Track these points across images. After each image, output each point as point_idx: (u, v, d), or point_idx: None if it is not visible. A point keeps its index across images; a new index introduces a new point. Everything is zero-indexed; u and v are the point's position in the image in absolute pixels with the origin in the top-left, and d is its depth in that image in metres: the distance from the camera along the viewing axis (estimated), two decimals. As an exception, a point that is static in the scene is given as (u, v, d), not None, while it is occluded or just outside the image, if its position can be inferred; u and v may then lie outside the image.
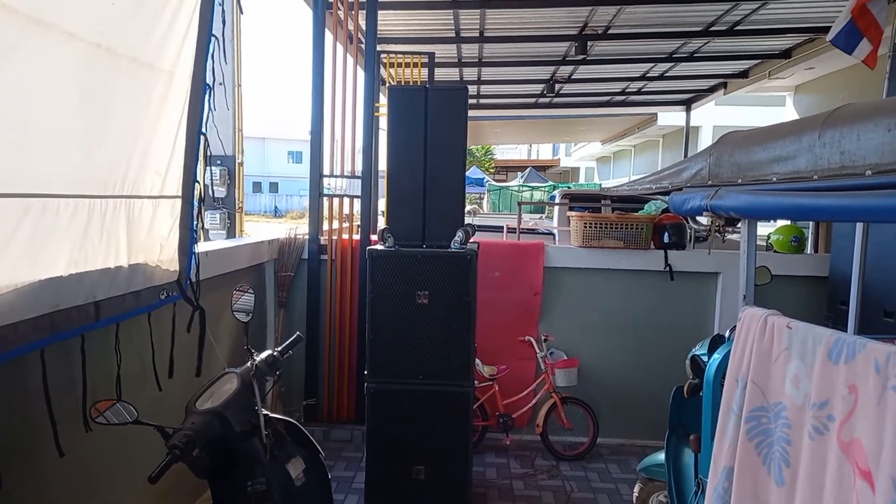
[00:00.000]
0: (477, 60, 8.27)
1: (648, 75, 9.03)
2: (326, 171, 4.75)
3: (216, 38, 2.69)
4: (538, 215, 13.19)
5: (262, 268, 4.63)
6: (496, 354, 4.59)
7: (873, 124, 1.45)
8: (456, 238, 3.36)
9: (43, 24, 1.81)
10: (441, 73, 8.63)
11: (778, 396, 1.78)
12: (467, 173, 22.35)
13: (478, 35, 7.05)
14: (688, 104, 11.17)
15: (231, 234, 9.07)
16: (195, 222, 2.79)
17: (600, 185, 22.27)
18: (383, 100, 5.99)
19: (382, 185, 4.14)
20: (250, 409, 2.32)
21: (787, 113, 9.51)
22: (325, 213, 4.83)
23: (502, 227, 8.03)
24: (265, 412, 2.37)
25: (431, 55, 6.57)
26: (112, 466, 2.64)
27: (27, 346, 1.88)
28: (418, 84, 6.08)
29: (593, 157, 29.25)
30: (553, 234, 8.13)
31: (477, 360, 4.13)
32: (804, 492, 1.61)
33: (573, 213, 4.96)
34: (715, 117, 17.30)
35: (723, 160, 2.20)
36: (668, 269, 4.64)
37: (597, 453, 4.57)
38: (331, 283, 4.73)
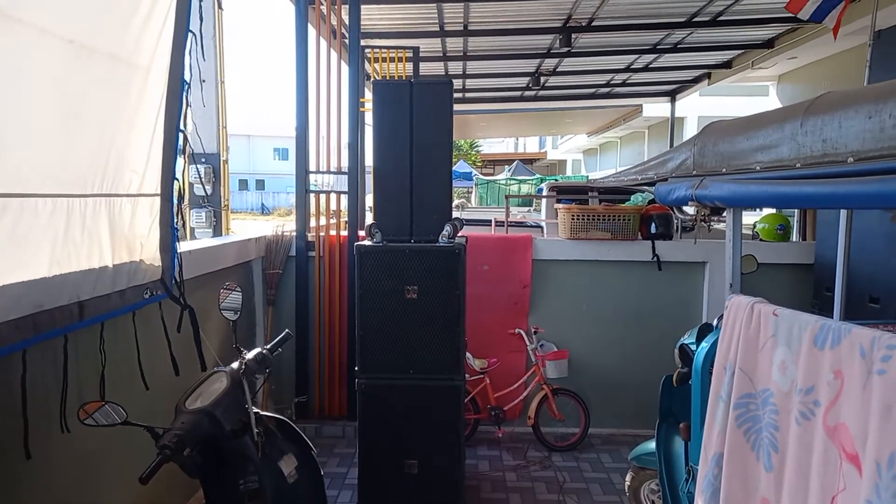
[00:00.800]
0: (462, 54, 8.25)
1: (633, 67, 9.06)
2: (313, 167, 4.73)
3: (193, 34, 2.66)
4: (526, 208, 13.19)
5: (249, 266, 4.60)
6: (486, 348, 4.60)
7: (854, 112, 1.46)
8: (444, 232, 3.35)
9: (15, 20, 1.78)
10: (426, 68, 8.59)
11: (765, 383, 1.80)
12: (455, 167, 22.37)
13: (462, 29, 7.03)
14: (672, 95, 11.22)
15: (217, 232, 9.00)
16: (175, 220, 2.77)
17: (587, 177, 22.33)
18: (369, 95, 5.96)
19: (369, 180, 4.13)
20: (240, 407, 2.31)
21: (772, 102, 9.60)
22: (313, 209, 4.81)
23: (490, 221, 8.05)
24: (256, 410, 2.36)
25: (416, 49, 6.54)
26: (103, 467, 2.62)
27: (9, 347, 1.86)
28: (403, 79, 6.06)
29: (580, 149, 29.31)
30: (541, 227, 8.16)
31: (467, 354, 4.14)
32: (791, 476, 1.63)
33: (560, 206, 4.98)
34: (700, 108, 17.41)
35: (707, 150, 2.21)
36: (655, 259, 4.67)
37: (588, 443, 4.60)
38: (319, 280, 4.71)
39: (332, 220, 4.79)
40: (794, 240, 5.57)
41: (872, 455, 1.32)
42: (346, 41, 5.15)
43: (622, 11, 6.51)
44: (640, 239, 4.78)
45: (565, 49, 7.39)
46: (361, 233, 4.29)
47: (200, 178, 6.50)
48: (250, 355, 2.49)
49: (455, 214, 3.56)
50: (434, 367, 3.36)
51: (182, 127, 2.70)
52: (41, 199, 1.98)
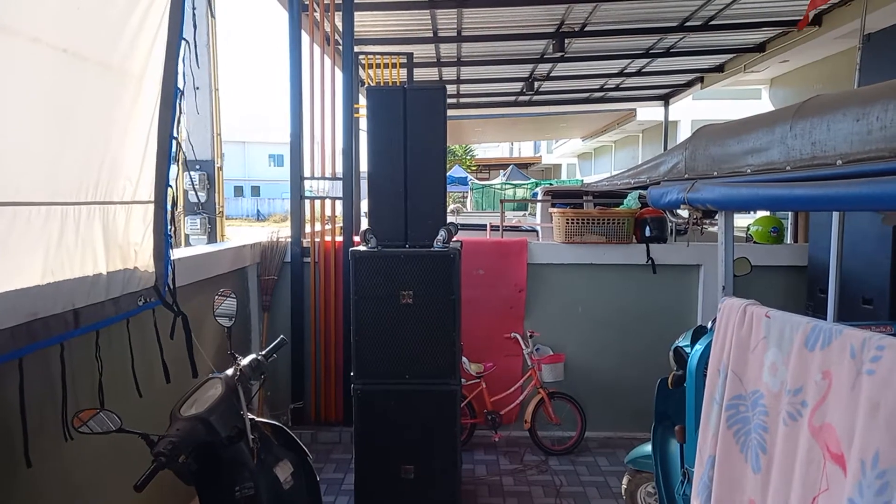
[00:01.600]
0: (455, 60, 8.28)
1: (626, 71, 9.10)
2: (307, 173, 4.74)
3: (186, 41, 2.67)
4: (521, 212, 13.21)
5: (244, 272, 4.60)
6: (482, 352, 4.60)
7: (842, 114, 1.48)
8: (438, 237, 3.36)
9: (7, 28, 1.78)
10: (420, 74, 8.62)
11: (756, 385, 1.81)
12: (451, 172, 22.39)
13: (455, 34, 7.06)
14: (666, 99, 11.27)
15: (212, 238, 8.96)
16: (169, 227, 2.77)
17: (582, 181, 22.38)
18: (363, 101, 5.98)
19: (364, 186, 4.13)
20: (236, 413, 2.31)
21: (764, 106, 9.65)
22: (308, 215, 4.81)
23: (486, 226, 8.06)
24: (251, 416, 2.36)
25: (410, 55, 6.57)
26: (98, 475, 2.61)
27: (5, 355, 1.86)
28: (397, 85, 6.08)
29: (574, 153, 29.38)
30: (536, 231, 8.18)
31: (463, 359, 4.14)
32: (777, 477, 1.63)
33: (555, 210, 4.99)
34: (693, 111, 17.52)
35: (698, 153, 2.23)
36: (650, 262, 4.69)
37: (585, 447, 4.61)
38: (314, 286, 4.71)
39: (327, 226, 4.80)
40: (787, 242, 5.59)
41: (857, 453, 1.33)
42: (340, 47, 5.16)
43: (615, 17, 6.55)
44: (635, 242, 4.80)
45: (559, 54, 7.43)
46: (356, 238, 4.29)
47: (194, 185, 6.51)
48: (245, 361, 2.49)
49: (450, 219, 3.57)
50: (430, 372, 3.36)
51: (175, 134, 2.70)
52: (34, 206, 1.98)
